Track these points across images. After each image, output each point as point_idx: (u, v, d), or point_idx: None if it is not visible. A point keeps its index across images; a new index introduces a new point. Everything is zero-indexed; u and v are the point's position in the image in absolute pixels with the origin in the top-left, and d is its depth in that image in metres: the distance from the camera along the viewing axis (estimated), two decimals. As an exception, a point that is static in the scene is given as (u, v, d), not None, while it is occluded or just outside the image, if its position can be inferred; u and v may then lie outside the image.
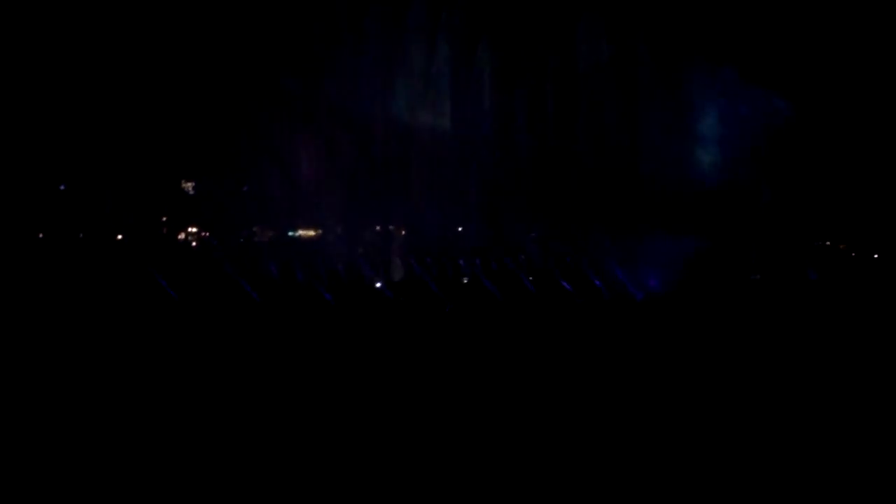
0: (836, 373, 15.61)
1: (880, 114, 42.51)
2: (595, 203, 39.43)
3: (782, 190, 42.40)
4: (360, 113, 42.18)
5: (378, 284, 29.16)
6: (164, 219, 39.56)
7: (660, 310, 26.33)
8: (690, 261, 32.17)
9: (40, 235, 36.83)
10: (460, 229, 45.10)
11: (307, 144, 41.64)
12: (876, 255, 40.80)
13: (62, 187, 37.34)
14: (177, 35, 38.30)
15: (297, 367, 16.86)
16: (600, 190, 40.32)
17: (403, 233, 44.02)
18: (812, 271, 34.18)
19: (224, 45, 39.06)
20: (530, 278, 30.84)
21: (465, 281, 34.52)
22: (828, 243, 45.23)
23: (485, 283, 29.37)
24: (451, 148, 43.48)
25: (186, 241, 40.75)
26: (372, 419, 12.51)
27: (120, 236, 38.36)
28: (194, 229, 40.71)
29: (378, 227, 44.09)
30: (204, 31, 38.05)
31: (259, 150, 40.68)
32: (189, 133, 39.50)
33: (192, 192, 40.82)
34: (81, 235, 37.51)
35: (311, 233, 45.24)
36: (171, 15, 38.35)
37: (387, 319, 24.86)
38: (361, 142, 42.45)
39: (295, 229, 44.60)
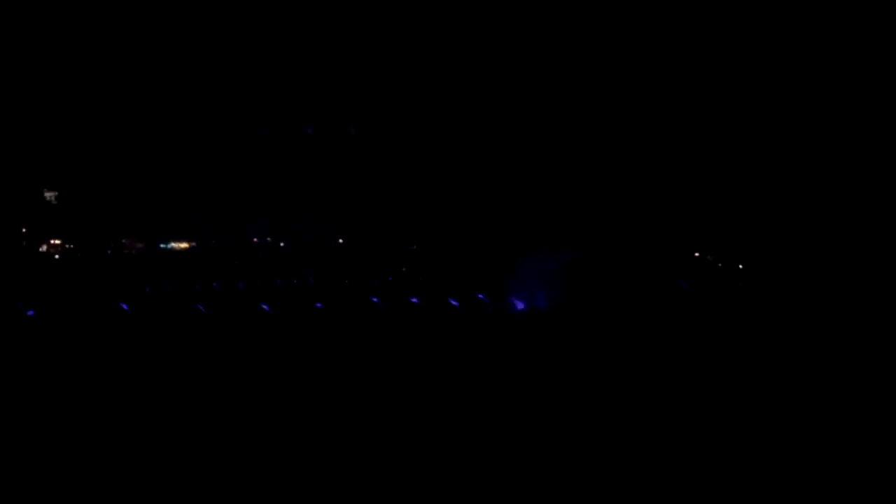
0: (714, 374, 16.12)
1: (742, 132, 44.60)
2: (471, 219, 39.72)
3: (653, 203, 43.85)
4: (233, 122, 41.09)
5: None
6: (24, 230, 37.25)
7: (543, 321, 26.68)
8: (569, 275, 32.70)
9: None
10: (340, 241, 44.60)
11: (180, 154, 40.21)
12: (741, 266, 42.65)
13: None
14: (45, 37, 36.37)
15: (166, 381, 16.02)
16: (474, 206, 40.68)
17: (282, 244, 43.13)
18: (684, 282, 35.38)
19: (95, 48, 37.30)
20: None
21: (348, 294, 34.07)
22: (696, 255, 47.08)
23: (371, 298, 29.10)
24: (328, 158, 42.92)
25: (48, 254, 38.53)
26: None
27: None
28: (57, 241, 38.56)
29: (255, 240, 43.05)
30: (73, 34, 36.27)
31: (129, 158, 38.97)
32: (52, 139, 37.47)
33: (55, 202, 38.62)
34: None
35: (184, 245, 43.70)
36: (41, 18, 36.41)
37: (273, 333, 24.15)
38: (237, 152, 41.33)
39: (167, 241, 42.97)
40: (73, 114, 36.79)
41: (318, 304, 26.67)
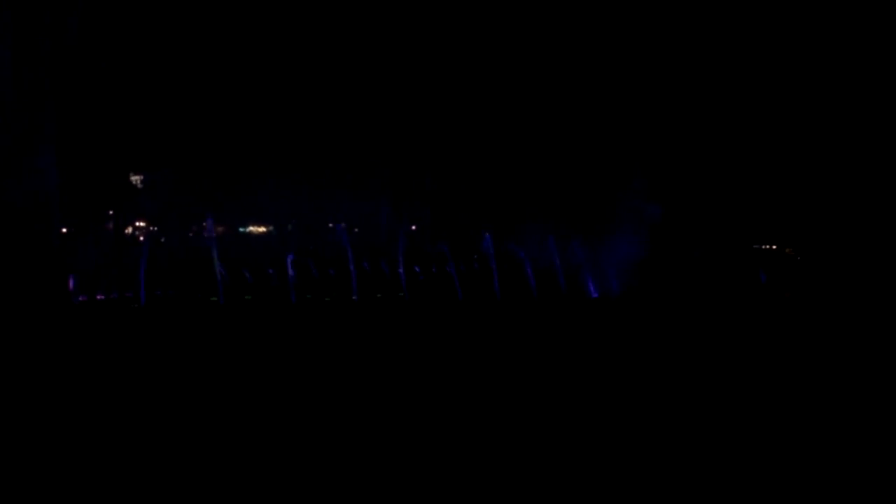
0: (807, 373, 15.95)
1: (823, 123, 43.62)
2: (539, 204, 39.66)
3: (728, 195, 43.21)
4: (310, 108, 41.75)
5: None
6: (111, 212, 38.53)
7: (623, 308, 26.66)
8: (643, 262, 32.53)
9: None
10: (414, 228, 45.01)
11: (258, 141, 41.08)
12: (821, 261, 41.78)
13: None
14: (127, 30, 37.45)
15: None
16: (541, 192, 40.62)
17: (356, 230, 43.72)
18: (763, 274, 34.86)
19: (175, 42, 38.31)
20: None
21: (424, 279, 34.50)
22: (774, 247, 46.25)
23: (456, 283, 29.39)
24: (403, 148, 43.32)
25: (133, 236, 39.79)
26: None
27: (65, 230, 37.23)
28: (142, 223, 39.81)
29: (330, 225, 43.70)
30: (155, 29, 37.28)
31: (210, 144, 39.95)
32: (137, 125, 38.62)
33: (140, 186, 39.90)
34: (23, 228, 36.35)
35: (262, 229, 44.67)
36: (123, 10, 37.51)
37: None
38: (312, 139, 42.01)
39: (245, 225, 43.97)
40: (163, 100, 37.87)
41: (403, 294, 27.01)
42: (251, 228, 42.90)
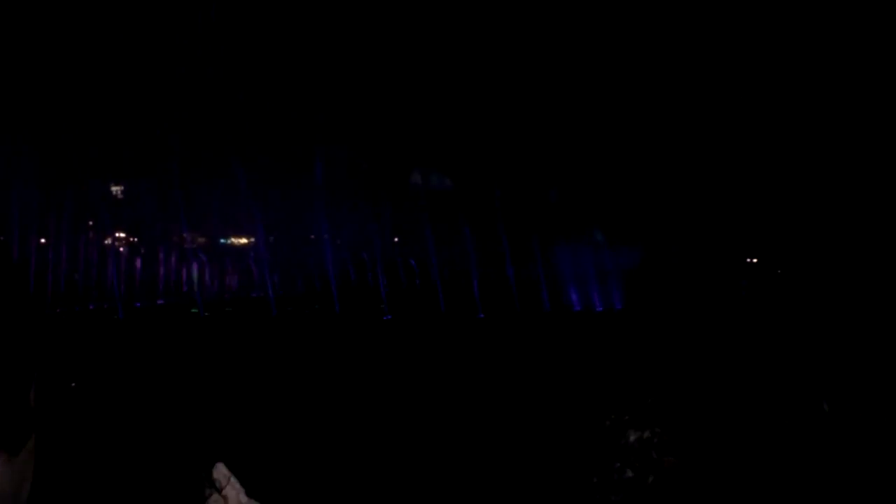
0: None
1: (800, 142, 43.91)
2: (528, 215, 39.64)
3: (714, 206, 43.37)
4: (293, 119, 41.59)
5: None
6: (91, 223, 38.09)
7: (599, 322, 26.62)
8: (628, 276, 32.52)
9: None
10: (396, 240, 44.88)
11: (241, 151, 40.83)
12: (802, 273, 41.97)
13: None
14: (110, 34, 37.24)
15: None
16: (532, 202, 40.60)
17: (338, 242, 43.53)
18: (744, 287, 34.99)
19: (159, 48, 38.13)
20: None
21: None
22: (755, 260, 46.48)
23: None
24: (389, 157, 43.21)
25: (113, 247, 39.40)
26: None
27: (43, 240, 36.85)
28: (122, 234, 39.41)
29: (312, 237, 43.50)
30: (140, 31, 37.10)
31: (191, 155, 39.71)
32: (118, 135, 38.35)
33: (120, 196, 39.54)
34: (2, 239, 35.86)
35: (244, 240, 44.40)
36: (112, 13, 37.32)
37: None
38: (296, 150, 41.85)
39: (227, 237, 43.68)
40: (142, 107, 37.60)
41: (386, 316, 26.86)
42: (232, 240, 42.64)
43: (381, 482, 9.80)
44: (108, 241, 38.86)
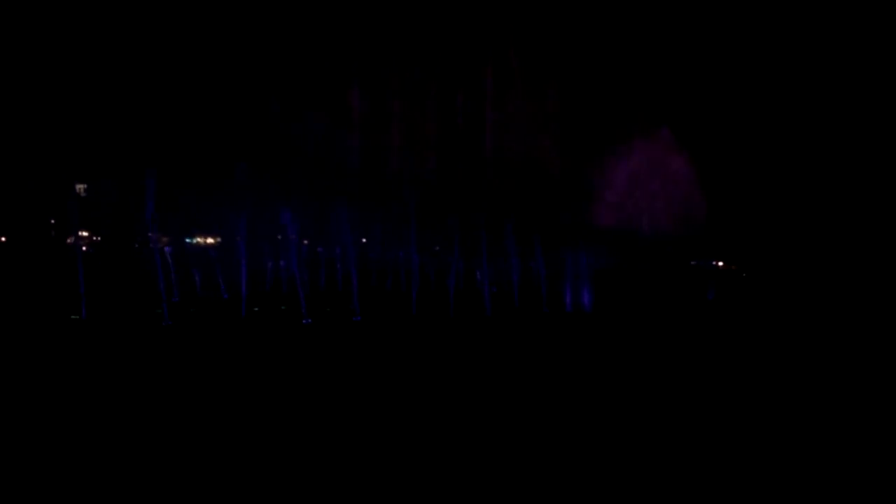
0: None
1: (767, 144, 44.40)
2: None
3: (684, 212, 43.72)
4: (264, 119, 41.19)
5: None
6: (53, 221, 37.47)
7: (570, 324, 26.62)
8: (596, 281, 32.60)
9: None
10: (364, 240, 44.65)
11: (209, 150, 40.34)
12: (767, 277, 42.40)
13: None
14: (72, 33, 36.65)
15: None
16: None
17: (306, 242, 43.21)
18: (711, 291, 35.24)
19: (124, 44, 37.58)
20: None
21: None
22: (721, 264, 46.90)
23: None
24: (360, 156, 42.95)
25: (76, 245, 38.67)
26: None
27: (3, 238, 36.19)
28: (85, 233, 38.79)
29: (280, 237, 43.08)
30: (105, 29, 36.53)
31: (158, 153, 39.17)
32: (83, 133, 37.74)
33: (84, 195, 38.87)
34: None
35: (210, 240, 43.86)
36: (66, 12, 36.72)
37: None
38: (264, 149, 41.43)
39: (192, 236, 43.12)
40: (104, 107, 37.07)
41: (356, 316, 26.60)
42: (198, 240, 42.13)
43: (375, 482, 9.69)
44: (70, 240, 38.23)
